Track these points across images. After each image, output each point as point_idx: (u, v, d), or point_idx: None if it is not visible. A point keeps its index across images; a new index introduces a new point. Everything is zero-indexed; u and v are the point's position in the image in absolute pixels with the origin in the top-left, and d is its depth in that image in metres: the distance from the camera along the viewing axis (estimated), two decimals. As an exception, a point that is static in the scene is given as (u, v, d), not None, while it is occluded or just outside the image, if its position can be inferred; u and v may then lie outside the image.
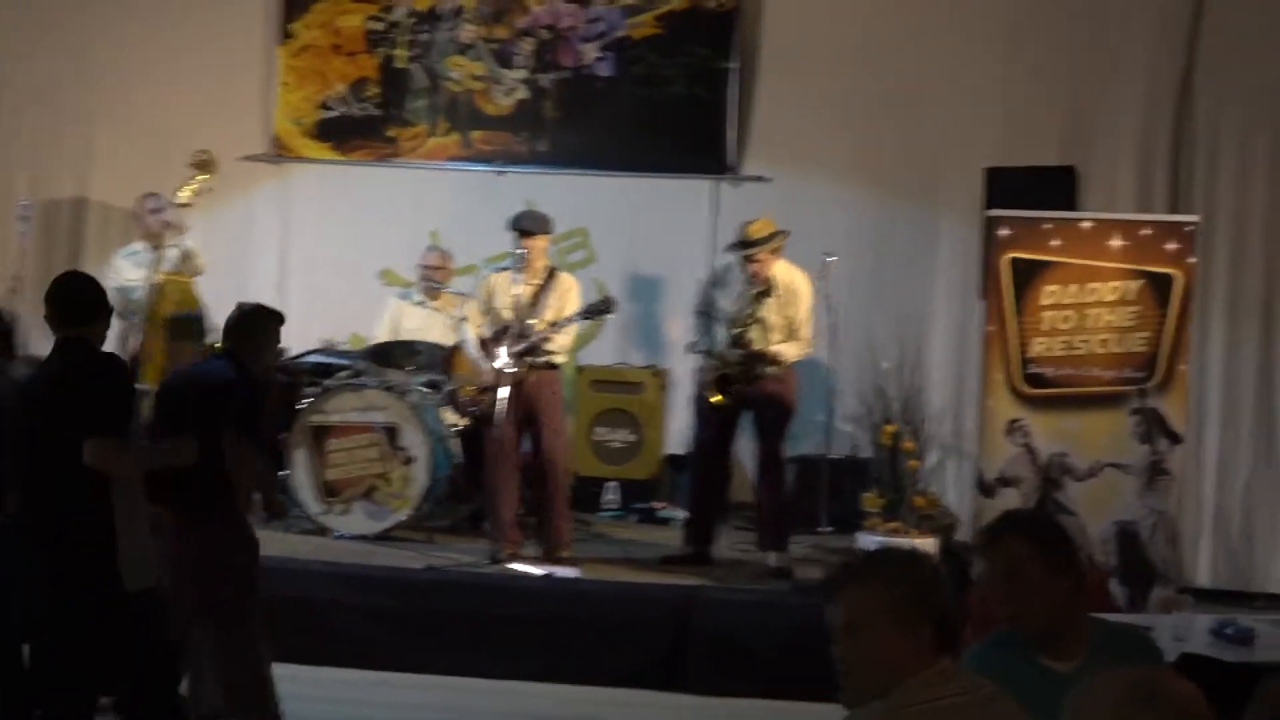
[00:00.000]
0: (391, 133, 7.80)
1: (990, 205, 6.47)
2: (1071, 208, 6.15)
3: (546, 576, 5.76)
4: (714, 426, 6.13)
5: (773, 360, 5.98)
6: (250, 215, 7.84)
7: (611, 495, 7.23)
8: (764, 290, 6.01)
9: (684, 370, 7.26)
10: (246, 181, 7.70)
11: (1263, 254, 6.42)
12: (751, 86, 7.53)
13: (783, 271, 6.06)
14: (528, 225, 5.98)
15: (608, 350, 7.46)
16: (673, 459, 7.37)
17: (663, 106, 7.63)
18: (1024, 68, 7.02)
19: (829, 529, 6.62)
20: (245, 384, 4.06)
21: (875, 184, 7.33)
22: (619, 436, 7.31)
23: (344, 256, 7.71)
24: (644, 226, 7.59)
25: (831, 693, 5.46)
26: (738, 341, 5.97)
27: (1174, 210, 6.53)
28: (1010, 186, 6.52)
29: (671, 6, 7.56)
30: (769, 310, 6.02)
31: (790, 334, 6.03)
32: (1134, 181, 6.77)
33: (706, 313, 6.14)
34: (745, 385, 5.91)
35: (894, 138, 7.26)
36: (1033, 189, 6.31)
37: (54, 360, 3.86)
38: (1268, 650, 3.78)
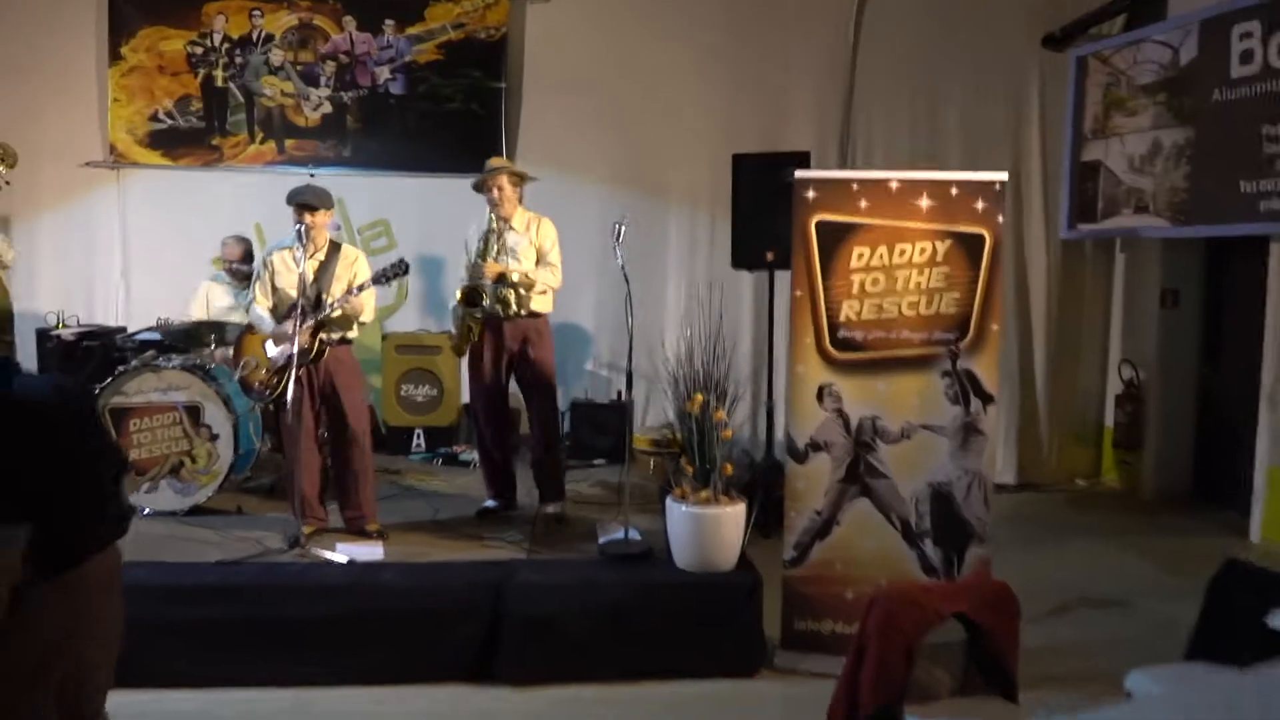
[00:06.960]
0: (215, 141, 8.86)
1: (736, 188, 7.33)
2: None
3: (349, 564, 5.45)
4: (485, 384, 6.36)
5: (524, 279, 6.15)
6: (92, 214, 8.84)
7: (419, 441, 8.41)
8: (505, 221, 6.26)
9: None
10: (88, 185, 8.82)
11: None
12: (517, 102, 8.96)
13: (526, 213, 6.34)
14: (308, 200, 5.77)
15: (409, 319, 8.83)
16: (469, 407, 7.99)
17: (446, 118, 8.86)
18: (716, 83, 8.80)
19: (602, 461, 8.05)
20: None
21: (615, 180, 8.84)
22: (422, 391, 8.50)
23: (180, 248, 8.69)
24: (433, 216, 8.72)
25: (642, 673, 5.26)
26: (482, 267, 6.21)
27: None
28: (752, 170, 7.21)
29: (450, 36, 8.84)
30: (514, 242, 6.23)
31: (539, 261, 6.25)
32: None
33: (469, 270, 6.37)
34: (495, 301, 6.18)
35: (626, 141, 8.84)
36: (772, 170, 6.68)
37: None
38: None
